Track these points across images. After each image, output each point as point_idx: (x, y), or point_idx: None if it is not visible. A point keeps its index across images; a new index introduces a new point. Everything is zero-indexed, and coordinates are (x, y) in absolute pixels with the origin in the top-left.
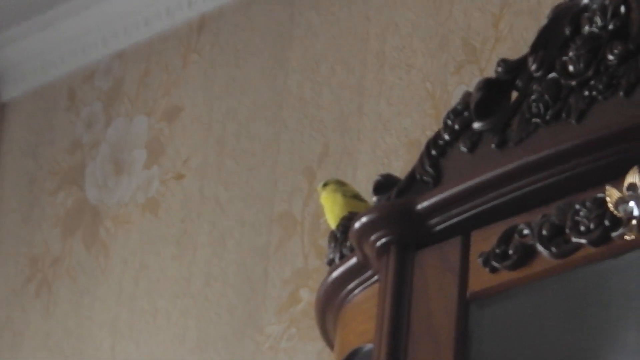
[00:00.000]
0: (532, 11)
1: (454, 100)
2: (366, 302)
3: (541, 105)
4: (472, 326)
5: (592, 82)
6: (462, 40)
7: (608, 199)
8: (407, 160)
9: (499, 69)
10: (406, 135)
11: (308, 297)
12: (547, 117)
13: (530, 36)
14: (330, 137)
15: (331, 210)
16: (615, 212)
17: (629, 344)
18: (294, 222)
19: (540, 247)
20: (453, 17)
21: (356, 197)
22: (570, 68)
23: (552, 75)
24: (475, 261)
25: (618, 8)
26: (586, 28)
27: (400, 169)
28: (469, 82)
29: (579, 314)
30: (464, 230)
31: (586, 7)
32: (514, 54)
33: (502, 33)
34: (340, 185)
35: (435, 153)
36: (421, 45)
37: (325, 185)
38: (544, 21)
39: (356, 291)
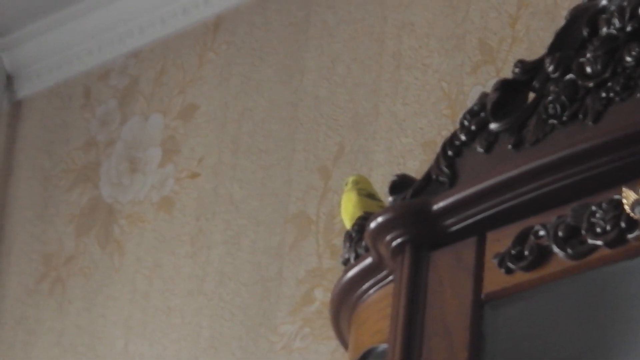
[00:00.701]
0: (549, 12)
1: (470, 100)
2: (381, 301)
3: (558, 106)
4: (487, 327)
5: (609, 84)
6: (478, 41)
7: (624, 200)
8: (422, 161)
9: (516, 70)
10: (422, 135)
11: (322, 297)
12: (564, 118)
13: (547, 37)
14: (345, 136)
15: (345, 208)
16: (631, 214)
17: None
18: (309, 221)
19: (555, 248)
20: (469, 17)
21: (370, 195)
22: (588, 69)
23: (569, 76)
24: (491, 262)
25: (636, 10)
26: (604, 29)
27: (415, 169)
28: (485, 82)
29: (594, 315)
30: (479, 230)
31: (604, 9)
32: (530, 55)
33: (519, 34)
34: (355, 183)
35: (452, 153)
36: (437, 46)
37: (347, 183)
38: (560, 22)
39: (371, 291)
